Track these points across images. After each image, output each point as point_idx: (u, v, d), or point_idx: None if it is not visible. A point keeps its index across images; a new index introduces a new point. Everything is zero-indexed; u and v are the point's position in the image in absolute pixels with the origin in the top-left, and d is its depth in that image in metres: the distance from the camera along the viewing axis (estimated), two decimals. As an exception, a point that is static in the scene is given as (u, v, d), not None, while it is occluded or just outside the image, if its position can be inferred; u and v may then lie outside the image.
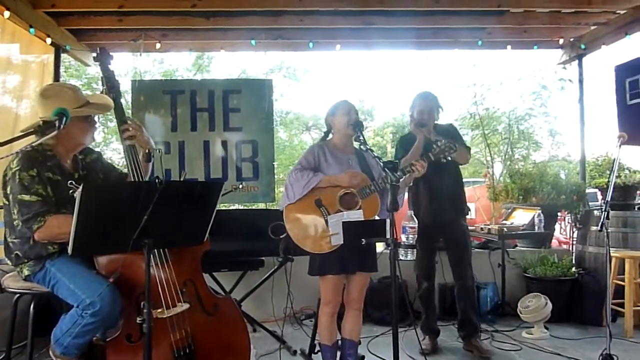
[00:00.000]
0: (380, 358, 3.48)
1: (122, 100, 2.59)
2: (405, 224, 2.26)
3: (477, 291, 4.44)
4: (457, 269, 3.70)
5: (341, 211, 2.72)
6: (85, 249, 2.02)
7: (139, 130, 2.46)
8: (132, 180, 2.37)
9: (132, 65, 12.54)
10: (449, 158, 2.87)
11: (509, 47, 5.45)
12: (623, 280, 4.11)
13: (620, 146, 3.23)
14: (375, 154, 2.68)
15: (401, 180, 2.67)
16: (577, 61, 5.53)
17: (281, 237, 2.85)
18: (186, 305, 2.28)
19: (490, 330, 4.13)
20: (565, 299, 4.43)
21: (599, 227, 3.00)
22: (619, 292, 4.13)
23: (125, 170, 2.54)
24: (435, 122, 3.60)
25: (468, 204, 3.93)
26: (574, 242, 5.21)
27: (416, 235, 2.28)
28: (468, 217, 4.03)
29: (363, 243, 2.38)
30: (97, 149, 2.72)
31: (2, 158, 1.84)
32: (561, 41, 5.36)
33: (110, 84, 2.53)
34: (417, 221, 2.31)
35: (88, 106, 2.38)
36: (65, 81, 8.32)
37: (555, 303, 4.10)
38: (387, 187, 2.65)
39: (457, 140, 3.64)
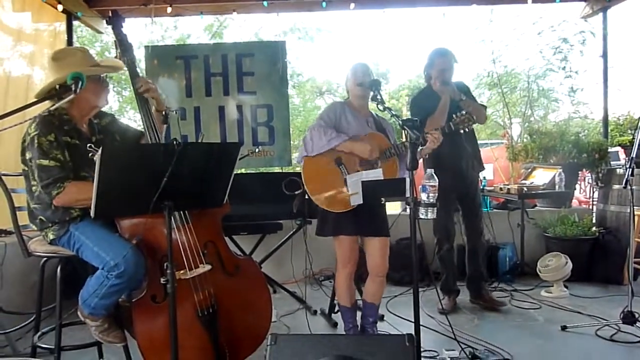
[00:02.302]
0: (400, 317, 3.52)
1: (138, 70, 2.56)
2: (425, 183, 2.23)
3: (496, 251, 4.46)
4: (472, 227, 3.72)
5: (358, 171, 2.71)
6: (107, 212, 2.04)
7: (152, 85, 2.46)
8: (150, 142, 2.37)
9: (144, 36, 12.49)
10: (467, 130, 2.87)
11: (529, 0, 5.25)
12: (645, 238, 4.07)
13: (646, 101, 3.14)
14: (394, 112, 2.64)
15: (419, 150, 2.65)
16: (601, 14, 5.31)
17: (296, 192, 2.86)
18: (208, 267, 2.30)
19: (509, 290, 4.14)
20: (586, 258, 4.42)
21: (623, 185, 2.95)
22: (641, 250, 4.10)
23: (140, 128, 2.55)
24: None
25: (485, 165, 3.93)
26: (595, 202, 5.14)
27: (437, 194, 2.25)
28: (485, 177, 4.03)
29: (383, 202, 2.37)
30: (113, 115, 2.71)
31: (16, 125, 1.84)
32: (585, -7, 5.15)
33: (124, 47, 2.51)
34: (437, 180, 2.28)
35: (99, 67, 2.37)
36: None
37: (575, 262, 4.09)
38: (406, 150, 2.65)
39: (473, 99, 3.65)
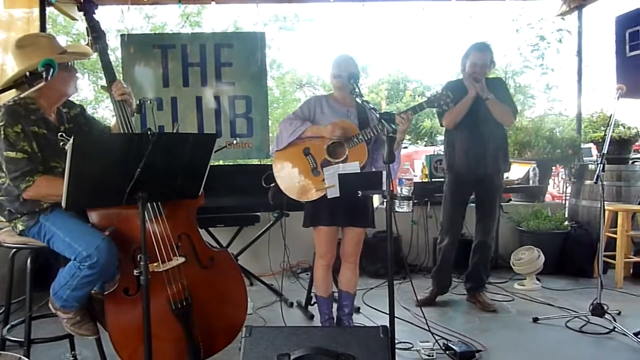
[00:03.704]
0: (376, 309, 3.55)
1: (112, 57, 2.50)
2: (402, 176, 2.24)
3: (471, 244, 4.50)
4: (482, 225, 3.65)
5: (328, 160, 2.73)
6: (79, 203, 2.00)
7: (127, 89, 2.41)
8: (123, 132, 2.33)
9: (120, 23, 12.24)
10: (445, 108, 2.85)
11: (507, -3, 5.31)
12: (615, 232, 4.17)
13: (618, 98, 3.20)
14: (372, 106, 2.65)
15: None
16: (576, 12, 5.39)
17: (271, 185, 2.87)
18: (182, 259, 2.28)
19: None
20: (558, 252, 4.50)
21: (594, 180, 3.01)
22: (611, 244, 4.20)
23: (109, 124, 2.50)
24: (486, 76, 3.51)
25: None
26: (568, 197, 5.25)
27: (412, 187, 2.26)
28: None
29: (359, 195, 2.37)
30: (89, 107, 2.65)
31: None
32: (562, -9, 5.21)
33: (96, 35, 2.43)
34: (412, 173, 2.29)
35: (67, 54, 2.30)
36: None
37: (547, 256, 4.17)
38: (381, 137, 2.65)
39: (505, 99, 3.51)
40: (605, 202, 3.35)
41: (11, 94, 2.10)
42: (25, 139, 2.14)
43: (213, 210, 3.71)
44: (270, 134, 5.32)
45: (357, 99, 2.82)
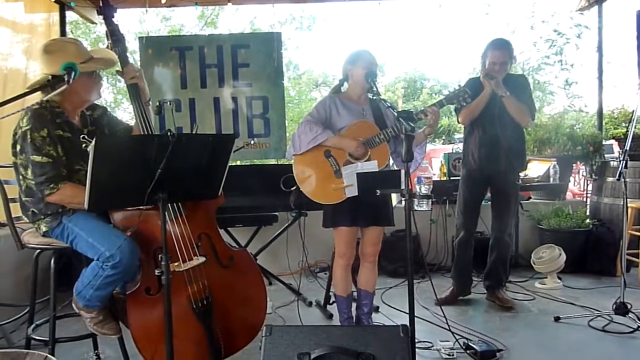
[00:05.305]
0: (395, 308, 3.54)
1: (130, 60, 2.53)
2: (421, 175, 2.23)
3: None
4: (497, 221, 3.62)
5: (350, 162, 2.71)
6: (101, 204, 2.03)
7: (138, 73, 2.44)
8: (141, 133, 2.36)
9: (138, 26, 12.42)
10: (463, 104, 2.86)
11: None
12: (638, 230, 4.09)
13: (641, 94, 3.15)
14: (389, 104, 2.63)
15: (419, 131, 2.66)
16: (596, 7, 5.30)
17: (292, 189, 2.86)
18: (202, 259, 2.30)
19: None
20: (580, 250, 4.44)
21: (616, 177, 2.96)
22: (633, 242, 4.13)
23: (131, 123, 2.53)
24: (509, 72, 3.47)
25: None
26: (589, 194, 5.17)
27: (431, 186, 2.25)
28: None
29: (378, 194, 2.36)
30: (105, 107, 2.68)
31: (13, 114, 1.83)
32: (581, -15, 5.13)
33: (116, 38, 2.46)
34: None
35: (93, 61, 2.33)
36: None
37: (569, 254, 4.11)
38: (400, 137, 2.63)
39: (522, 96, 3.44)
40: (627, 199, 3.29)
41: (35, 97, 2.14)
42: (50, 143, 2.18)
43: (231, 210, 3.74)
44: (287, 134, 5.33)
45: (375, 98, 2.81)
